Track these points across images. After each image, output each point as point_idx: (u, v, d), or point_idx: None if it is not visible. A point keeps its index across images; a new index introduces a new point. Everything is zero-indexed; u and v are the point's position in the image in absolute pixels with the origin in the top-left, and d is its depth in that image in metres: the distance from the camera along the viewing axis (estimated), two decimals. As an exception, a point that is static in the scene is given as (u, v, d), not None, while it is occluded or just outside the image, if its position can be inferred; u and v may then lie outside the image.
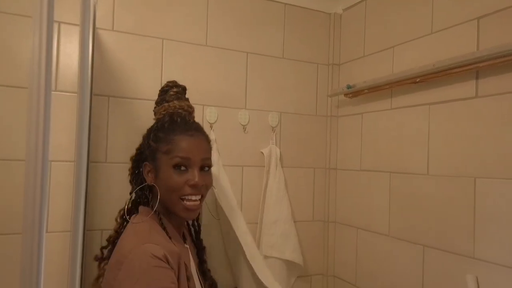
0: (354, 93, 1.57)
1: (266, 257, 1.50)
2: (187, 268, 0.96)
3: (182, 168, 0.99)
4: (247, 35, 1.59)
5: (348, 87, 1.56)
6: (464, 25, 1.17)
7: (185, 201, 0.99)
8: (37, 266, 0.61)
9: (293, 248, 1.54)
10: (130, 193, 1.10)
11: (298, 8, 1.69)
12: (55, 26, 1.27)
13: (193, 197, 1.00)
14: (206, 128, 1.48)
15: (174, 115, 1.07)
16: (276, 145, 1.62)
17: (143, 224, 0.97)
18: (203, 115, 1.49)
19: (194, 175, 0.99)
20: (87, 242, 1.30)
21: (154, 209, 0.99)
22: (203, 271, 1.17)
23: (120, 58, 1.38)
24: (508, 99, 1.05)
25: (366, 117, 1.57)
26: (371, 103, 1.54)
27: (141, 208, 1.05)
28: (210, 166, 1.06)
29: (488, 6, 1.11)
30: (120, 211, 1.08)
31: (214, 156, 1.49)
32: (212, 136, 1.49)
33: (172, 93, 1.14)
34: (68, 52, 1.29)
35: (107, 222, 1.34)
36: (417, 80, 1.26)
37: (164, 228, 1.00)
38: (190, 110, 1.14)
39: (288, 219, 1.57)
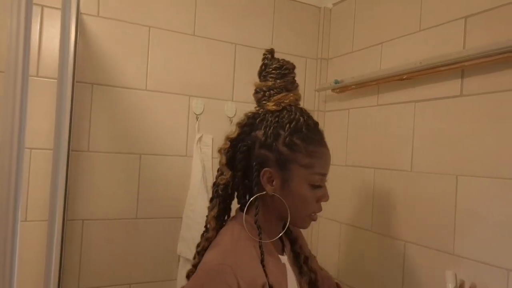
0: (342, 88, 1.57)
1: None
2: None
3: (320, 184, 0.89)
4: (236, 26, 1.57)
5: (336, 82, 1.56)
6: (451, 24, 1.18)
7: (313, 215, 0.91)
8: (11, 254, 0.59)
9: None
10: (239, 200, 0.94)
11: (288, 1, 1.68)
12: (38, 9, 1.24)
13: (318, 212, 0.91)
14: (192, 119, 1.48)
15: (306, 116, 0.89)
16: (262, 138, 1.61)
17: (230, 236, 0.84)
18: (189, 106, 1.48)
19: (327, 193, 0.90)
20: (68, 232, 1.28)
21: (255, 220, 0.86)
22: (300, 266, 0.98)
23: (105, 45, 1.35)
24: (491, 99, 1.06)
25: (353, 112, 1.57)
26: (358, 99, 1.54)
27: (238, 214, 0.91)
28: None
29: (475, 6, 1.11)
30: (210, 211, 0.91)
31: (208, 151, 1.49)
32: (196, 126, 1.48)
33: (291, 79, 0.93)
34: (51, 36, 1.26)
35: (89, 212, 1.33)
36: (404, 77, 1.27)
37: (262, 253, 0.83)
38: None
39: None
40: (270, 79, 0.93)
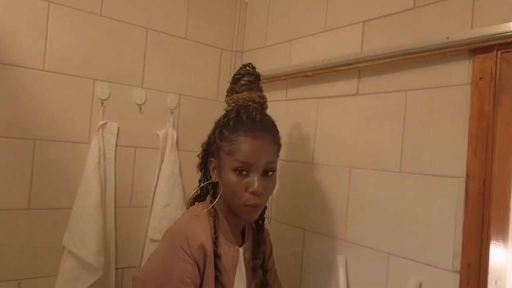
0: (254, 81, 1.60)
1: (153, 241, 1.47)
2: (219, 265, 0.93)
3: (243, 172, 0.93)
4: (148, 10, 1.51)
5: (248, 75, 1.58)
6: (352, 27, 1.26)
7: (247, 207, 0.95)
8: None
9: (183, 232, 1.52)
10: (199, 183, 1.08)
11: (205, -10, 1.66)
12: None
13: (254, 206, 0.95)
14: (96, 105, 1.40)
15: (241, 111, 1.00)
16: (173, 127, 1.58)
17: (193, 210, 1.00)
18: (93, 90, 1.39)
19: (254, 182, 0.93)
20: None
21: (212, 205, 0.99)
22: (254, 268, 1.05)
23: (-6, 17, 1.21)
24: (382, 98, 1.16)
25: (264, 106, 1.61)
26: (269, 93, 1.56)
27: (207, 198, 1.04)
28: (274, 171, 0.98)
29: (373, 11, 1.21)
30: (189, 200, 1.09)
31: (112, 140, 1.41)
32: (100, 112, 1.40)
33: (243, 82, 1.09)
34: None
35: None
36: (309, 74, 1.33)
37: (214, 226, 0.96)
38: (261, 102, 1.08)
39: (179, 203, 1.55)
40: (229, 85, 1.13)
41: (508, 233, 0.95)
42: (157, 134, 1.54)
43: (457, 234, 0.96)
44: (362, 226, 1.18)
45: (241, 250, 1.02)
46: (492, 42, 0.91)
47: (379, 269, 1.12)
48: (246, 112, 0.99)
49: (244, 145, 0.94)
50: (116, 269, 1.43)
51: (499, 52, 0.92)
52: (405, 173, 1.08)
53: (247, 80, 1.09)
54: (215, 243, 0.94)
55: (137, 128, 1.50)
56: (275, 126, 1.04)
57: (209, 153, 1.04)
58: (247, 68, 1.13)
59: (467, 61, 0.97)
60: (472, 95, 0.95)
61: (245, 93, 1.06)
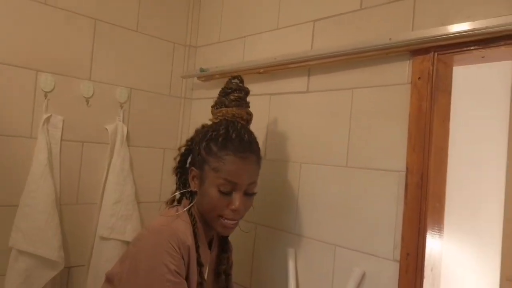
0: (207, 77, 1.59)
1: (103, 238, 1.43)
2: (200, 261, 0.97)
3: (227, 190, 0.96)
4: (97, 0, 1.46)
5: (201, 70, 1.57)
6: (303, 26, 1.29)
7: (223, 219, 0.98)
8: None
9: (134, 229, 1.49)
10: (176, 186, 1.08)
11: (157, -18, 1.63)
12: None
13: (232, 220, 0.99)
14: (40, 97, 1.33)
15: (230, 128, 1.00)
16: (123, 122, 1.54)
17: (174, 212, 0.99)
18: (36, 82, 1.32)
19: (236, 200, 0.96)
20: None
21: (191, 209, 1.01)
22: (218, 273, 1.10)
23: None
24: (330, 96, 1.20)
25: (217, 101, 1.61)
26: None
27: (185, 201, 1.05)
28: (254, 193, 1.02)
29: (323, 11, 1.24)
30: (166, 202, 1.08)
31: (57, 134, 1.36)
32: (44, 105, 1.33)
33: (233, 97, 1.09)
34: None
35: None
36: (261, 71, 1.35)
37: (196, 228, 0.98)
38: (248, 119, 1.11)
39: (130, 200, 1.51)
40: (218, 96, 1.13)
41: (443, 224, 1.03)
42: (106, 128, 1.49)
43: (398, 225, 1.01)
44: (311, 220, 1.22)
45: (209, 254, 1.06)
46: (430, 44, 0.97)
47: (326, 260, 1.16)
48: (235, 131, 1.00)
49: (232, 165, 0.96)
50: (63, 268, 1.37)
51: (436, 53, 0.98)
52: (351, 168, 1.13)
53: (237, 96, 1.10)
54: (197, 243, 0.97)
55: (85, 122, 1.44)
56: (259, 146, 1.06)
57: (188, 160, 1.06)
58: (237, 82, 1.14)
59: (408, 61, 1.03)
60: (412, 94, 1.01)
61: (234, 108, 1.08)
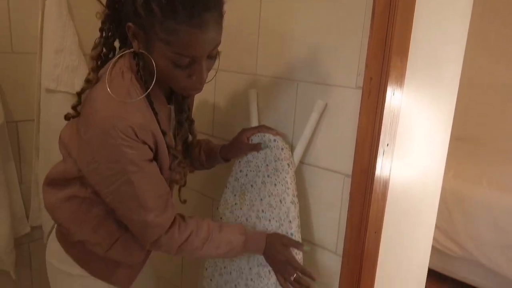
0: None
1: (49, 91, 1.32)
2: (161, 133, 0.85)
3: (184, 64, 0.77)
4: None
5: None
6: None
7: (185, 89, 0.84)
8: None
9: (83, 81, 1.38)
10: (101, 38, 0.84)
11: None
12: None
13: (196, 90, 0.84)
14: None
15: None
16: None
17: (121, 84, 0.79)
18: None
19: (198, 71, 0.79)
20: None
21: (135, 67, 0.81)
22: (181, 122, 0.98)
23: None
24: None
25: None
26: None
27: (121, 60, 0.82)
28: (217, 53, 0.83)
29: None
30: (92, 51, 0.84)
31: None
32: None
33: None
34: None
35: None
36: None
37: (148, 95, 0.81)
38: None
39: (75, 49, 1.37)
40: None
41: (408, 50, 0.99)
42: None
43: (362, 53, 0.97)
44: (272, 58, 1.15)
45: (172, 108, 0.95)
46: None
47: (288, 97, 1.12)
48: None
49: (186, 37, 0.73)
50: (8, 122, 1.28)
51: None
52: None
53: None
54: (156, 117, 0.84)
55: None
56: None
57: (121, 19, 0.80)
58: None
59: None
60: None
61: None
